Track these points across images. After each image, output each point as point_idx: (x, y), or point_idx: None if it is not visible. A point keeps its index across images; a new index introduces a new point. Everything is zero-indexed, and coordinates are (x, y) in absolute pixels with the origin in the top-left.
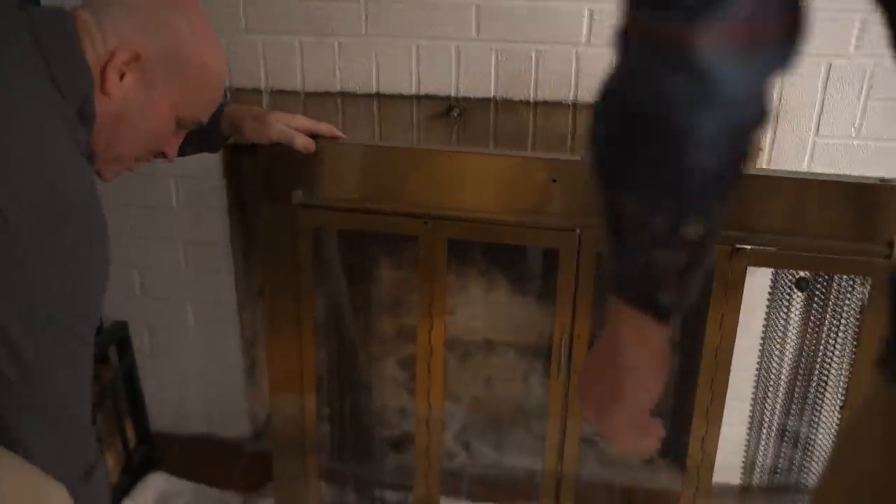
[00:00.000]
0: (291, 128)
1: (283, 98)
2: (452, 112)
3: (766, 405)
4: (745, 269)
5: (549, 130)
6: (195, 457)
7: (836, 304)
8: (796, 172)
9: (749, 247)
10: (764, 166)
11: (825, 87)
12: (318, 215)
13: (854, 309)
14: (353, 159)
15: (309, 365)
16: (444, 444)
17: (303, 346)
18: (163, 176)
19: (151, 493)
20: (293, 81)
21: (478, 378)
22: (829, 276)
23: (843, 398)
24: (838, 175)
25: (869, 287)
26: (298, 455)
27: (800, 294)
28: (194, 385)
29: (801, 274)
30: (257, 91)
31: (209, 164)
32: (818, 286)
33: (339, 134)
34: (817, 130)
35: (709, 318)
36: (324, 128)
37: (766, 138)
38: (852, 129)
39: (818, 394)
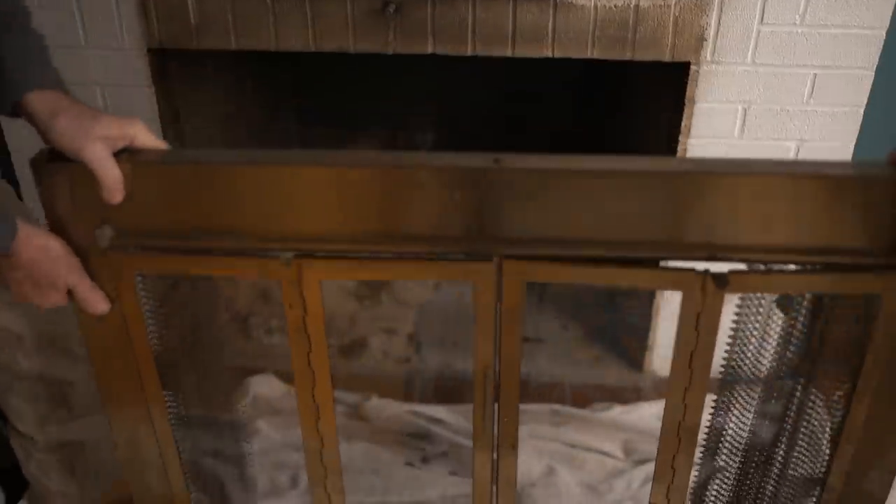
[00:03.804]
0: (120, 145)
1: None
2: (389, 7)
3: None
4: (723, 299)
5: (489, 25)
6: None
7: (828, 324)
8: (775, 164)
9: (726, 269)
10: (708, 57)
11: None
12: (136, 259)
13: (852, 329)
14: (180, 181)
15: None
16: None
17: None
18: (88, 84)
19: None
20: None
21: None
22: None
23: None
24: (834, 163)
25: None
26: None
27: (781, 315)
28: None
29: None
30: None
31: (136, 70)
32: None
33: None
34: (762, 18)
35: (675, 355)
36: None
37: (711, 28)
38: (797, 17)
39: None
